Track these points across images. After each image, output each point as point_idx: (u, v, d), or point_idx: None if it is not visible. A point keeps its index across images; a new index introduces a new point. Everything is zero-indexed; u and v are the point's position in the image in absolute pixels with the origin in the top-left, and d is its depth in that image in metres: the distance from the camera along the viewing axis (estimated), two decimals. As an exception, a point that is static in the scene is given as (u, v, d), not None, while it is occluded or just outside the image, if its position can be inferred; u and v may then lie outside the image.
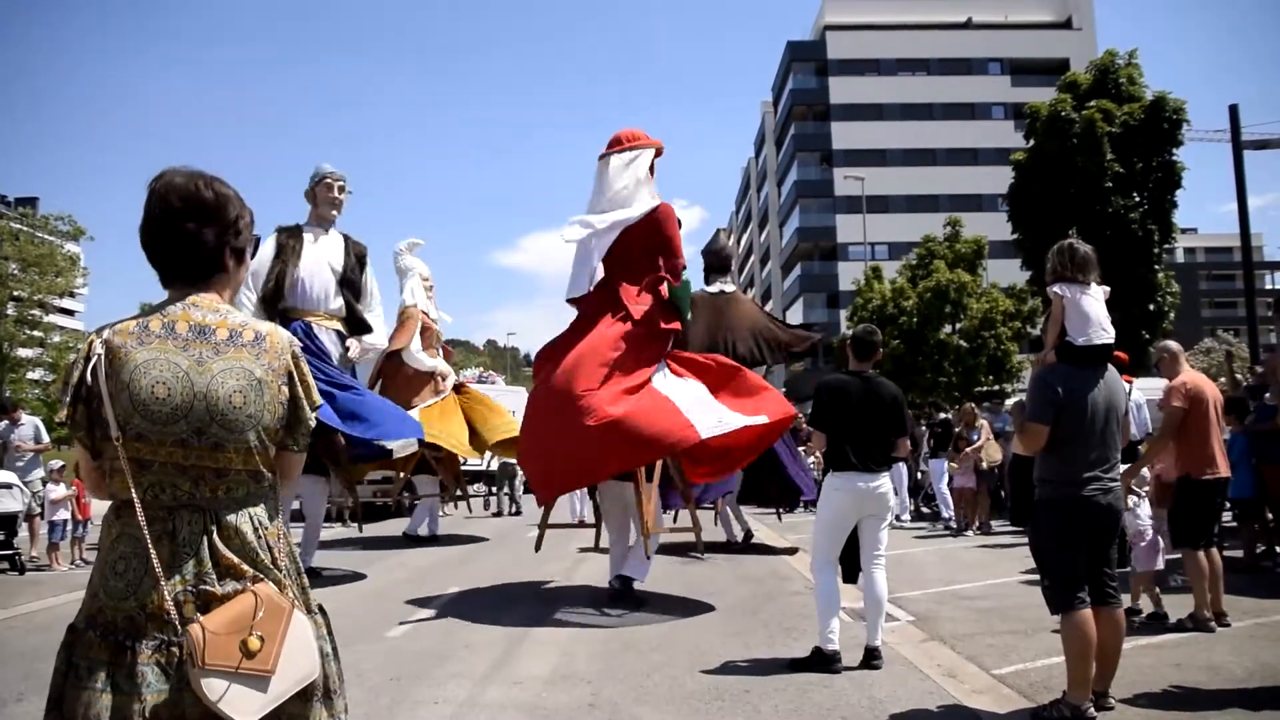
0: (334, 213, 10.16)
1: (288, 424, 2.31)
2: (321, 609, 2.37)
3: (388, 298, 11.55)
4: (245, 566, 2.17)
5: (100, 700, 2.02)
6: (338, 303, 10.01)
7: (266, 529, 2.25)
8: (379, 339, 10.77)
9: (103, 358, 2.14)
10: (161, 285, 2.34)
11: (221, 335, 2.23)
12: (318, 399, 2.38)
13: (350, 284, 10.07)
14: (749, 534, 12.65)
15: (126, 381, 2.12)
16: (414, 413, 12.03)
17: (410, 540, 13.89)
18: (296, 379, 2.32)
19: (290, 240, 9.86)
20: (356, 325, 10.16)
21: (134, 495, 2.11)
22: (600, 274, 8.26)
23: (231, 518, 2.19)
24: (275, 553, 2.25)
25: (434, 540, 14.00)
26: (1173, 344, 7.18)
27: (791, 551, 11.76)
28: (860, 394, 6.08)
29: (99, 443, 2.17)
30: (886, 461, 6.13)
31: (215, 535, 2.16)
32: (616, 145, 8.40)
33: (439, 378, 13.72)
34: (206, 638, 2.02)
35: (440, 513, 15.42)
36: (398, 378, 13.36)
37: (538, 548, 8.93)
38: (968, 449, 14.10)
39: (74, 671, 2.08)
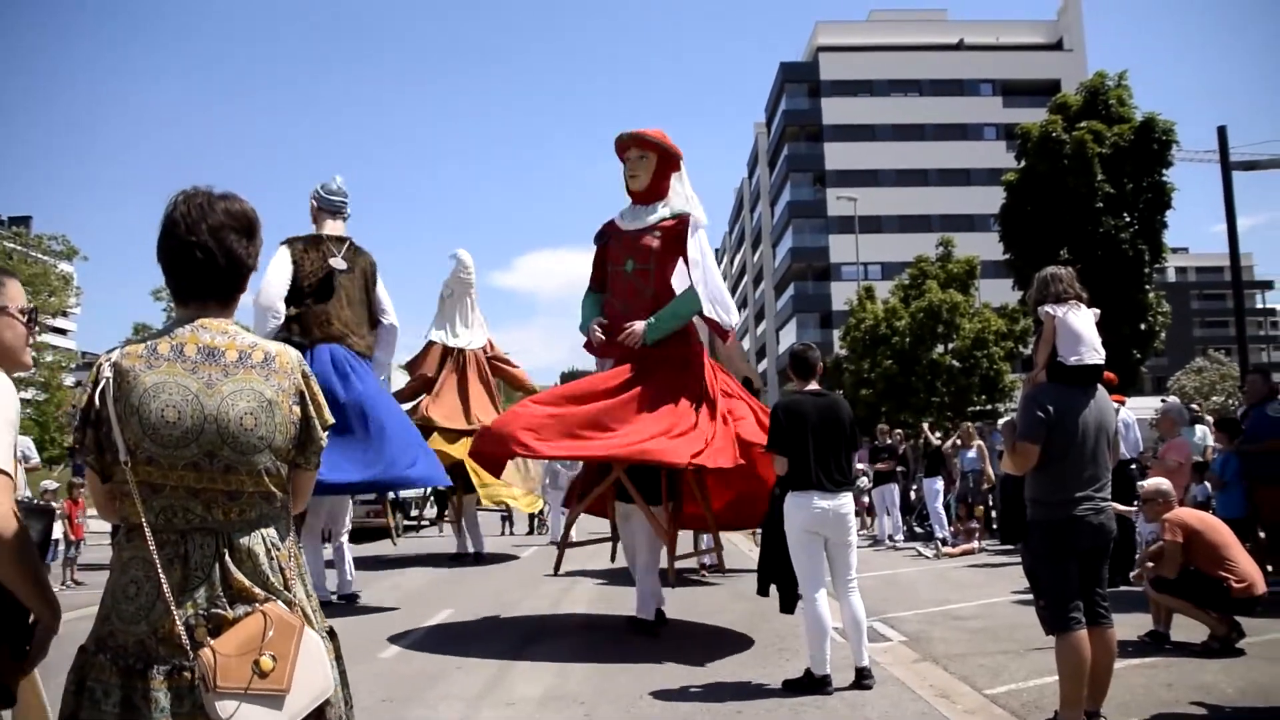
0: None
1: (299, 443, 2.29)
2: (332, 632, 2.34)
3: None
4: (256, 590, 2.14)
5: None
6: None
7: (279, 550, 2.23)
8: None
9: (111, 381, 2.11)
10: (176, 302, 2.30)
11: (231, 357, 2.20)
12: (329, 418, 2.35)
13: None
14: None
15: (136, 405, 2.09)
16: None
17: (462, 559, 14.20)
18: (308, 398, 2.30)
19: None
20: None
21: (143, 519, 2.08)
22: None
23: (244, 540, 2.17)
24: (287, 574, 2.23)
25: (479, 559, 14.22)
26: (1165, 486, 7.29)
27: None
28: (816, 412, 6.09)
29: (109, 466, 2.14)
30: (848, 480, 6.14)
31: (228, 558, 2.14)
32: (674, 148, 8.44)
33: None
34: (218, 661, 2.00)
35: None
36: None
37: (557, 569, 8.72)
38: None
39: (88, 695, 2.06)
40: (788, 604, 6.38)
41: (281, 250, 9.71)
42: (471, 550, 14.48)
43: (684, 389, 7.79)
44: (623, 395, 7.66)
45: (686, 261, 8.12)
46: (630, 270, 8.17)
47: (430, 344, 14.54)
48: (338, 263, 9.81)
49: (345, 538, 10.45)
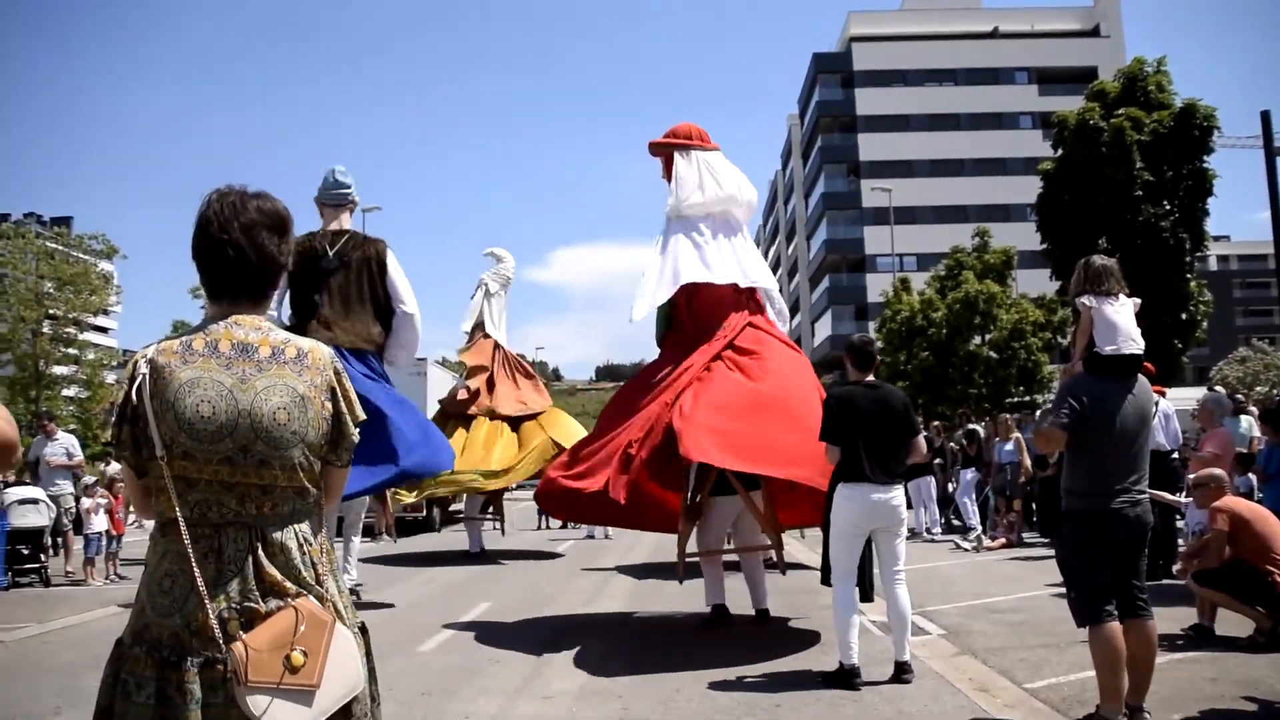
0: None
1: (332, 440, 2.30)
2: (363, 628, 2.36)
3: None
4: (288, 584, 2.16)
5: (148, 716, 2.04)
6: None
7: (311, 545, 2.25)
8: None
9: (147, 377, 2.14)
10: (210, 299, 2.32)
11: (264, 352, 2.22)
12: (360, 414, 2.36)
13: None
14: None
15: (171, 400, 2.12)
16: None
17: (472, 557, 13.94)
18: (340, 394, 2.31)
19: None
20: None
21: (179, 514, 2.11)
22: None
23: (277, 534, 2.19)
24: (319, 569, 2.24)
25: (483, 557, 14.00)
26: (1218, 472, 7.15)
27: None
28: (869, 403, 6.03)
29: (144, 462, 2.16)
30: (900, 472, 6.09)
31: (260, 552, 2.16)
32: (698, 140, 8.40)
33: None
34: (249, 655, 2.02)
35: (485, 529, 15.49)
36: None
37: (681, 579, 8.31)
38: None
39: (122, 686, 2.09)
40: (826, 576, 6.29)
41: None
42: (474, 549, 14.23)
43: None
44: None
45: None
46: None
47: (485, 336, 14.77)
48: (327, 262, 9.41)
49: (357, 532, 10.36)
